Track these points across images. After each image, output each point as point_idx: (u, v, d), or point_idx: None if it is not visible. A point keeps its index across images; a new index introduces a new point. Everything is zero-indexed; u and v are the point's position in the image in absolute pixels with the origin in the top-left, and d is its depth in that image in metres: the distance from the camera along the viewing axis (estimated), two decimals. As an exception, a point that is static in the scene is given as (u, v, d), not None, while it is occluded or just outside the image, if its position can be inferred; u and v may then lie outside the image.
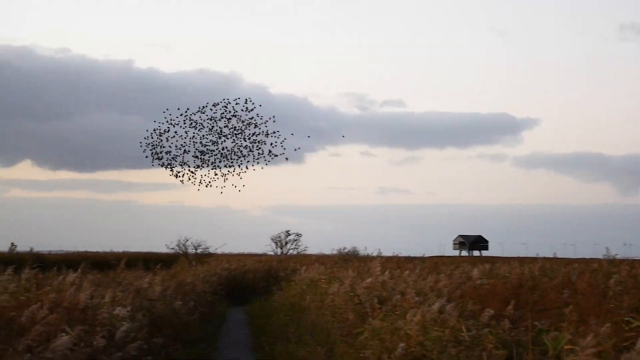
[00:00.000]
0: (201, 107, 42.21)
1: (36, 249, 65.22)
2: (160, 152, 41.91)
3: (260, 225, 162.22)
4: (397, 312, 16.86)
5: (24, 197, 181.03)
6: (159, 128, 41.85)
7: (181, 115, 42.04)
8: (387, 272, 23.64)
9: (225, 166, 42.78)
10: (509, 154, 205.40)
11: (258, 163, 42.87)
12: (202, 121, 42.23)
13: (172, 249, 57.48)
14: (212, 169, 42.67)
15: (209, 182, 42.63)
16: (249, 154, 42.74)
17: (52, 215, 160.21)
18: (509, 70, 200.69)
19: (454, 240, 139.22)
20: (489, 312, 14.92)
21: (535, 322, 13.38)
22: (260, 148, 42.88)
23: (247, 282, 44.70)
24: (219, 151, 42.54)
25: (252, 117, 43.00)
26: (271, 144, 42.92)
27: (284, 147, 43.14)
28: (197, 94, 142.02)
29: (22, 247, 65.76)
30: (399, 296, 18.83)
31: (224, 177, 42.76)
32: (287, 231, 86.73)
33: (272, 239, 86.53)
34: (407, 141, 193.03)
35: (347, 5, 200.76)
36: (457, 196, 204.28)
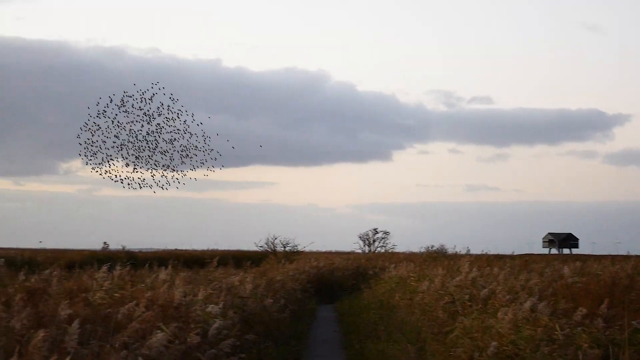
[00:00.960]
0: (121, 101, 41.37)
1: (127, 247, 66.38)
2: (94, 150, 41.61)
3: (347, 223, 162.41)
4: (488, 311, 16.75)
5: (115, 196, 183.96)
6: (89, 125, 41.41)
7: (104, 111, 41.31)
8: (476, 270, 23.48)
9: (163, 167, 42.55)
10: (600, 150, 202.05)
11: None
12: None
13: (260, 247, 57.90)
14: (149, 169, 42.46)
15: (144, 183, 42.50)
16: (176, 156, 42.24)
17: (143, 214, 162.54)
18: (599, 65, 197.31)
19: (543, 238, 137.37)
20: (582, 310, 14.73)
21: (632, 322, 13.18)
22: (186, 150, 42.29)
23: (336, 280, 44.73)
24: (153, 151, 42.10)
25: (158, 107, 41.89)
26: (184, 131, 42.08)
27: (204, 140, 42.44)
28: (285, 92, 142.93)
29: (114, 245, 67.00)
30: (490, 294, 18.70)
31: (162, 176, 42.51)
32: (374, 229, 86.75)
33: (360, 237, 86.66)
34: (495, 138, 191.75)
35: (435, 2, 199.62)
36: (547, 193, 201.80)
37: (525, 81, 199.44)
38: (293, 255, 53.70)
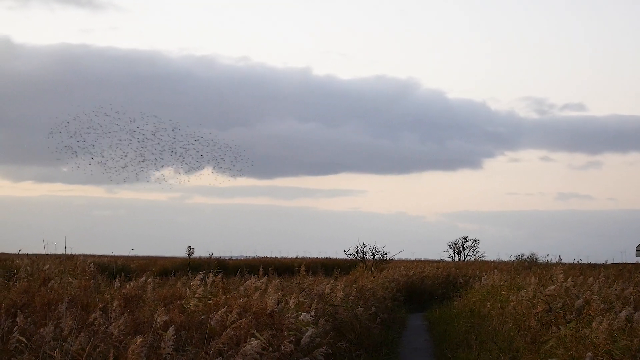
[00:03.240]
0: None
1: (216, 254, 67.13)
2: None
3: (437, 232, 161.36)
4: (583, 320, 16.55)
5: (205, 203, 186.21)
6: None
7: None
8: (570, 279, 23.21)
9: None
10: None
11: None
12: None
13: (350, 254, 57.93)
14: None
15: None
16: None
17: (233, 221, 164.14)
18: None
19: (637, 247, 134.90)
20: (680, 321, 14.48)
21: None
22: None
23: (426, 289, 44.58)
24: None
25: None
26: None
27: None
28: (375, 100, 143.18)
29: (203, 252, 67.86)
30: (584, 304, 18.48)
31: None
32: (464, 237, 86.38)
33: (449, 245, 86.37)
34: (588, 145, 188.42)
35: (525, 7, 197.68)
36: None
37: (619, 87, 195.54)
38: (382, 264, 53.60)
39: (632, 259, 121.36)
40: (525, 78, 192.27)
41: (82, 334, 11.72)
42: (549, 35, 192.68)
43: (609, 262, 59.94)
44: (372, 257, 55.91)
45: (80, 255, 41.40)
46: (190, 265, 47.36)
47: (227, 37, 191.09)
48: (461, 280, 44.14)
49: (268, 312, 14.66)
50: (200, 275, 19.67)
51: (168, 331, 11.65)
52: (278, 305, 15.69)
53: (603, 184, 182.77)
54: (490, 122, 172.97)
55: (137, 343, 10.78)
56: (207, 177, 43.10)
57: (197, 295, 16.69)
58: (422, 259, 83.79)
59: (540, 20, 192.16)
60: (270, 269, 27.83)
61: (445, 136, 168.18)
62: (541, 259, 59.73)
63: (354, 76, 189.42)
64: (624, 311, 15.61)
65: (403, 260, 69.43)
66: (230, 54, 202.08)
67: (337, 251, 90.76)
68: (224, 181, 44.53)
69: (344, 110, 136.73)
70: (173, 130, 42.73)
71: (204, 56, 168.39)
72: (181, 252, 77.91)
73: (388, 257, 56.56)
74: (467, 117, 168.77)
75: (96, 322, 12.88)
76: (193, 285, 18.36)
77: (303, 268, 26.34)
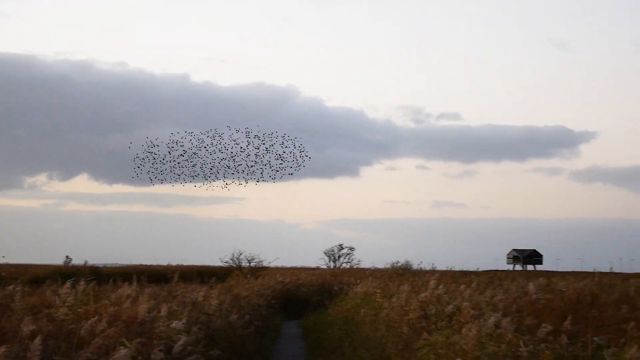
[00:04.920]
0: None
1: (91, 262, 66.04)
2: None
3: (314, 239, 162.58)
4: (453, 327, 16.78)
5: (80, 210, 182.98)
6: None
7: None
8: (442, 286, 23.54)
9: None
10: (565, 167, 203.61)
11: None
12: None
13: (225, 262, 57.73)
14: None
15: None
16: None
17: (108, 228, 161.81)
18: (566, 82, 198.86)
19: (508, 255, 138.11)
20: (546, 327, 14.79)
21: (594, 338, 13.26)
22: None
23: (301, 296, 44.77)
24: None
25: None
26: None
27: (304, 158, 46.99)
28: (254, 107, 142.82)
29: (78, 260, 66.62)
30: (455, 310, 18.74)
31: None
32: (340, 245, 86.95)
33: (325, 253, 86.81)
34: (463, 154, 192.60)
35: (403, 18, 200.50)
36: (513, 210, 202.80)
37: (493, 98, 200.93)
38: (258, 271, 53.57)
39: (503, 266, 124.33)
40: (403, 87, 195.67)
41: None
42: (426, 45, 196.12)
43: (481, 270, 61.08)
44: (248, 264, 55.86)
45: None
46: (63, 273, 46.49)
47: (104, 41, 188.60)
48: (336, 288, 44.44)
49: (139, 320, 14.43)
50: (70, 283, 19.22)
51: (35, 341, 11.34)
52: (149, 313, 15.46)
53: (477, 193, 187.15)
54: (368, 130, 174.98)
55: (0, 353, 10.45)
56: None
57: (67, 304, 16.30)
58: (299, 267, 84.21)
59: (416, 31, 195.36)
60: (143, 276, 27.44)
61: (323, 144, 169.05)
62: (415, 267, 60.63)
63: (233, 83, 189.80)
64: (492, 317, 15.88)
65: (280, 268, 69.62)
66: (108, 59, 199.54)
67: (215, 259, 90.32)
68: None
69: (224, 117, 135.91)
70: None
71: (81, 61, 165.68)
72: (56, 260, 76.37)
73: (264, 265, 56.63)
74: (346, 125, 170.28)
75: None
76: (63, 293, 17.94)
77: (176, 276, 26.06)
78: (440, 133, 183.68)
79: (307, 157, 48.08)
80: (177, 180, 48.60)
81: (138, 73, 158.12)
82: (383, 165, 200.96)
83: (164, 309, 17.00)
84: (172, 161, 48.53)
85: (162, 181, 49.18)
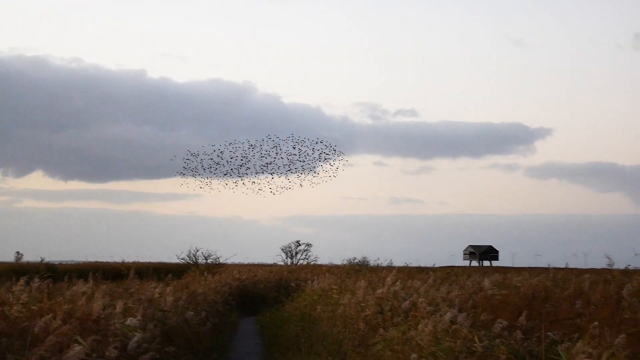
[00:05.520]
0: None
1: (47, 259, 65.52)
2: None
3: (271, 236, 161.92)
4: (409, 323, 16.83)
5: (35, 207, 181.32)
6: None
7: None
8: (398, 282, 23.60)
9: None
10: (522, 163, 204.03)
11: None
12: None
13: (182, 259, 57.46)
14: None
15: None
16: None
17: (64, 225, 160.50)
18: (522, 79, 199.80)
19: (464, 251, 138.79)
20: (501, 322, 14.89)
21: (548, 333, 13.37)
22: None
23: (258, 293, 44.70)
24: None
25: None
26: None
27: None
28: (211, 103, 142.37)
29: (33, 257, 66.09)
30: (411, 306, 18.81)
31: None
32: (297, 241, 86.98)
33: (282, 249, 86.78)
34: (420, 151, 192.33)
35: (362, 14, 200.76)
36: (470, 206, 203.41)
37: (451, 95, 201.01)
38: (215, 268, 53.38)
39: (460, 262, 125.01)
40: (360, 84, 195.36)
41: None
42: (383, 42, 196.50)
43: (437, 266, 61.45)
44: (205, 261, 55.67)
45: None
46: (18, 270, 46.12)
47: (59, 37, 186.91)
48: (293, 284, 44.44)
49: (93, 317, 14.33)
50: (24, 281, 19.04)
51: (-14, 339, 11.22)
52: (104, 310, 15.36)
53: (434, 189, 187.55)
54: (325, 127, 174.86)
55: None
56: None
57: (21, 301, 16.16)
58: (256, 263, 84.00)
59: (373, 27, 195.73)
60: (97, 274, 27.25)
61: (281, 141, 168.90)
62: (373, 263, 60.76)
63: (190, 79, 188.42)
64: (448, 313, 15.95)
65: (237, 265, 69.36)
66: (63, 54, 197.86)
67: (171, 256, 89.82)
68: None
69: (180, 113, 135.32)
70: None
71: (36, 56, 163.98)
72: (11, 257, 75.61)
73: (221, 262, 56.46)
74: (303, 122, 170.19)
75: None
76: (17, 290, 17.78)
77: (132, 272, 25.92)
78: (397, 130, 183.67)
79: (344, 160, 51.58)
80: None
81: (93, 69, 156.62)
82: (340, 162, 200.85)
83: (119, 306, 16.90)
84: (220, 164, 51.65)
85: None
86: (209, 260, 55.91)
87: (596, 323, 13.24)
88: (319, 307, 27.05)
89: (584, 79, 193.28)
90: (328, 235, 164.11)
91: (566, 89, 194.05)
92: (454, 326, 15.08)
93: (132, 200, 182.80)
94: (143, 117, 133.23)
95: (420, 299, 19.19)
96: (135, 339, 14.15)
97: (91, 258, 77.91)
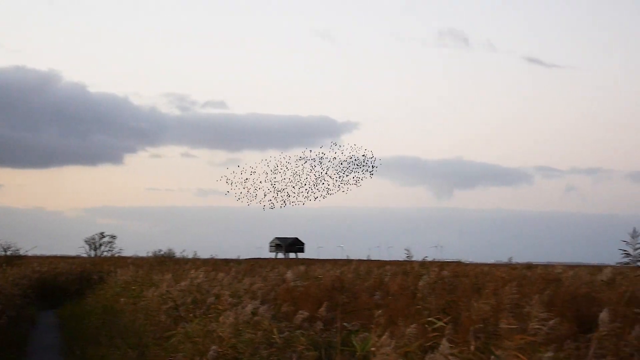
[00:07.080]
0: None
1: None
2: None
3: (75, 227, 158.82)
4: (211, 315, 16.83)
5: None
6: None
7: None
8: (202, 275, 23.58)
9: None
10: (329, 156, 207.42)
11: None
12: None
13: (-23, 251, 55.62)
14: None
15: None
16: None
17: None
18: (329, 73, 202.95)
19: (270, 243, 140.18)
20: (303, 313, 15.09)
21: (345, 324, 13.63)
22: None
23: (60, 285, 43.97)
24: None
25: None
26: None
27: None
28: (14, 91, 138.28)
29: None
30: (214, 298, 18.81)
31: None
32: (101, 233, 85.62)
33: (85, 241, 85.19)
34: (228, 143, 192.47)
35: (171, 4, 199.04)
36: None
37: (259, 87, 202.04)
38: (14, 260, 51.85)
39: (266, 254, 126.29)
40: (168, 74, 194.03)
41: None
42: (192, 33, 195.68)
43: (242, 258, 61.73)
44: (3, 253, 54.14)
45: None
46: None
47: None
48: (95, 277, 43.85)
49: None
50: None
51: None
52: None
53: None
54: (132, 117, 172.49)
55: None
56: None
57: None
58: (59, 255, 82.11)
59: (182, 17, 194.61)
60: None
61: (86, 130, 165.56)
62: (178, 255, 60.49)
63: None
64: (250, 305, 16.03)
65: (38, 257, 67.67)
66: None
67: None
68: None
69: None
70: None
71: None
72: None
73: (21, 254, 55.06)
74: (110, 111, 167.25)
75: None
76: None
77: None
78: (206, 121, 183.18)
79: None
80: None
81: None
82: (147, 152, 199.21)
83: None
84: None
85: None
86: (8, 252, 54.37)
87: (390, 314, 13.61)
88: (122, 299, 26.74)
89: (389, 73, 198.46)
90: (133, 227, 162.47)
91: (372, 84, 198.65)
92: (255, 318, 15.16)
93: None
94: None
95: (223, 291, 19.23)
96: None
97: None
